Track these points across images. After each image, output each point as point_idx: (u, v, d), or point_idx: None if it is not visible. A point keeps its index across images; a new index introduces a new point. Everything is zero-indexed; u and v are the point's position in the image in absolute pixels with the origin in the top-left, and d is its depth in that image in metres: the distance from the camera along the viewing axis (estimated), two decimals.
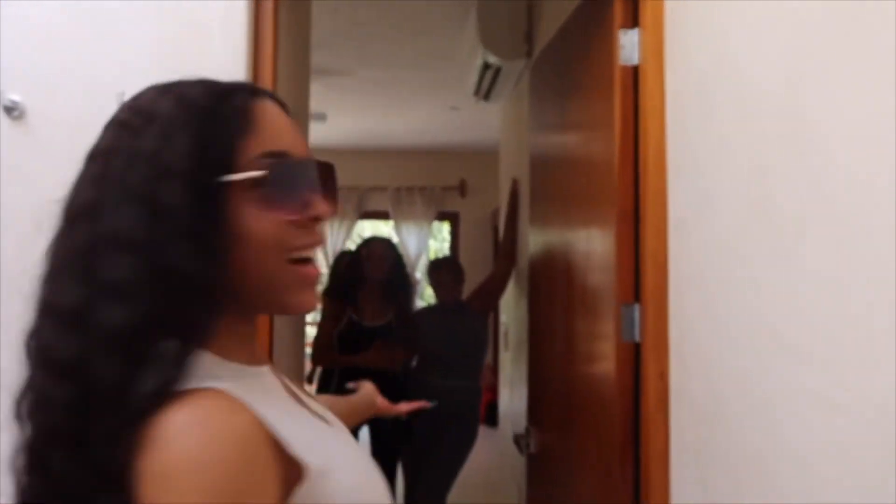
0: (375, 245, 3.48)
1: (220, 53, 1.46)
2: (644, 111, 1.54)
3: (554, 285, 2.21)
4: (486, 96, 3.89)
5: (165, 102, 0.68)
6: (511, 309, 3.81)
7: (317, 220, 0.72)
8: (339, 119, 5.96)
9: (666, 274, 1.49)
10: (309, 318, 4.19)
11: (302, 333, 2.40)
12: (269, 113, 0.72)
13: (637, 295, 1.60)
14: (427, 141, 6.98)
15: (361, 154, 7.34)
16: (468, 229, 7.43)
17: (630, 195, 1.61)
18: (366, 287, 3.38)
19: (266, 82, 1.50)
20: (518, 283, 3.57)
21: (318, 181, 0.73)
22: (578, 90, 1.96)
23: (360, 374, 3.42)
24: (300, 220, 0.70)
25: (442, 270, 3.71)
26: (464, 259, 7.51)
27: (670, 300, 1.49)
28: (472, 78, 3.63)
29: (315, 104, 5.50)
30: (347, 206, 7.22)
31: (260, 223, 0.67)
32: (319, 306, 3.90)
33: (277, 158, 0.69)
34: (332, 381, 3.30)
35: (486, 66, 3.34)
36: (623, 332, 1.61)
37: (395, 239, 7.10)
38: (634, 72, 1.59)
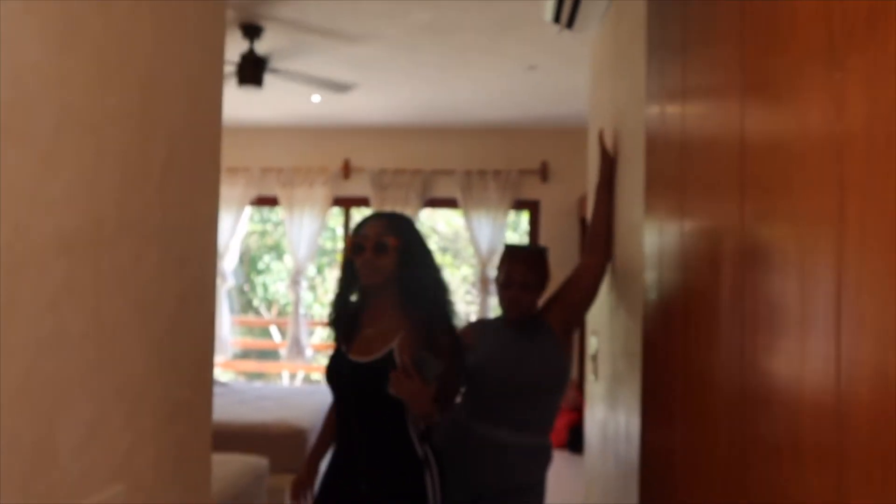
0: (368, 229, 1.92)
1: None
2: None
3: (712, 307, 1.04)
4: (571, 21, 2.70)
5: None
6: (604, 323, 2.60)
7: None
8: (381, 79, 4.83)
9: None
10: None
11: (209, 346, 1.31)
12: None
13: None
14: (501, 115, 5.79)
15: (425, 132, 6.23)
16: (550, 220, 6.19)
17: None
18: (366, 300, 1.97)
19: None
20: (615, 290, 2.36)
21: None
22: None
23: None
24: None
25: (516, 263, 2.26)
26: None
27: None
28: None
29: (346, 67, 4.38)
30: (410, 192, 6.15)
31: None
32: None
33: None
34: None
35: None
36: None
37: (460, 224, 5.95)
38: None
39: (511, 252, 2.34)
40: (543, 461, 2.32)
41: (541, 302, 2.33)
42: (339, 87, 4.40)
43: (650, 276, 1.41)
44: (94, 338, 0.90)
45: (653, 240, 1.43)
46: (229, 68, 4.03)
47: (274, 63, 4.18)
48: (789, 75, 0.81)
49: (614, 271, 2.35)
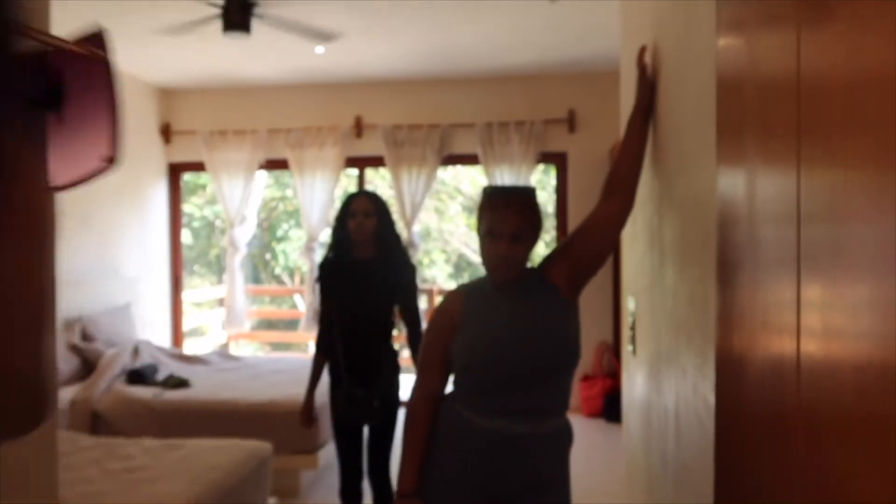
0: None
1: None
2: None
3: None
4: None
5: None
6: (643, 286, 2.15)
7: None
8: (388, 24, 4.31)
9: None
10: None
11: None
12: None
13: None
14: (522, 60, 5.24)
15: (440, 83, 5.71)
16: (579, 173, 5.66)
17: None
18: None
19: None
20: (659, 246, 1.90)
21: None
22: None
23: None
24: None
25: (502, 208, 1.80)
26: (573, 212, 5.77)
27: None
28: None
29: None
30: (427, 148, 5.67)
31: None
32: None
33: None
34: None
35: None
36: None
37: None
38: None
39: (493, 196, 1.84)
40: (565, 446, 1.89)
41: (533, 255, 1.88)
42: (325, 37, 3.92)
43: (737, 234, 0.98)
44: None
45: (734, 190, 1.00)
46: (214, 11, 3.59)
47: (264, 8, 3.72)
48: None
49: (655, 223, 1.89)
